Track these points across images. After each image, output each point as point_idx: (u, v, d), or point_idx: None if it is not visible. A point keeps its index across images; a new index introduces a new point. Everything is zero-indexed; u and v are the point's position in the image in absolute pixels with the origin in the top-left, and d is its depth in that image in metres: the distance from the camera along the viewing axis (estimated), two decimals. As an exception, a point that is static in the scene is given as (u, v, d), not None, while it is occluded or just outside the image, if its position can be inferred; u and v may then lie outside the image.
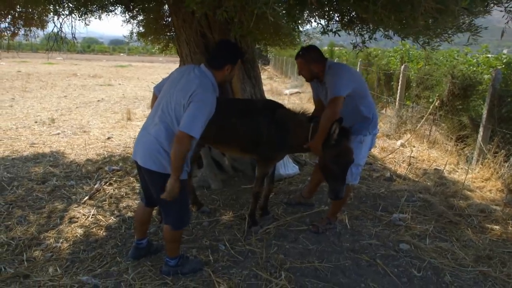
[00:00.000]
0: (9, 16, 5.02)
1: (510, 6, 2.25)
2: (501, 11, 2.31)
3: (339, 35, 3.15)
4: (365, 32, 3.18)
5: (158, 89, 2.76)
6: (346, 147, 2.92)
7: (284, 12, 2.34)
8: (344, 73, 3.07)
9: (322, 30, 3.13)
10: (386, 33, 3.16)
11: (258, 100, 4.29)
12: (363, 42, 3.30)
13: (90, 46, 52.60)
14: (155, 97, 2.78)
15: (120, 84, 17.01)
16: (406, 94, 9.03)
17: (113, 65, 29.22)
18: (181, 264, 2.82)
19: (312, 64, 3.13)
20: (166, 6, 4.90)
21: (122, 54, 48.74)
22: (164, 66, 29.27)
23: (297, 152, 3.70)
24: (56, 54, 30.63)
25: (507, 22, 2.38)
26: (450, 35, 3.31)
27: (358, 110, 3.17)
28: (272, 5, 1.77)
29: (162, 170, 2.47)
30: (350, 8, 2.60)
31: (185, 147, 2.36)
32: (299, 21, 3.43)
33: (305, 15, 3.23)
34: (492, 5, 2.31)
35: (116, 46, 53.03)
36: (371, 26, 3.02)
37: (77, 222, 3.71)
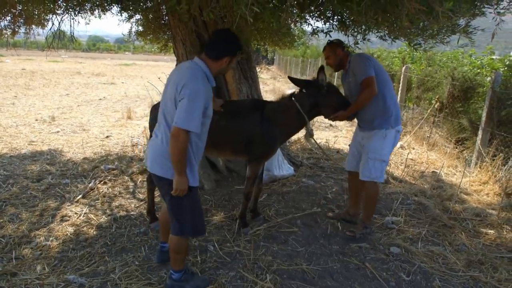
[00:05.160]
0: (10, 15, 5.05)
1: (499, 7, 2.21)
2: (490, 12, 2.27)
3: (330, 36, 3.12)
4: (357, 33, 3.15)
5: None
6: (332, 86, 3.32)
7: (269, 13, 2.31)
8: (362, 57, 3.24)
9: (312, 31, 3.12)
10: (378, 34, 3.13)
11: (244, 100, 4.26)
12: (356, 43, 3.27)
13: (96, 45, 52.83)
14: None
15: (123, 82, 17.07)
16: (408, 95, 8.98)
17: (117, 64, 29.35)
18: (185, 280, 2.66)
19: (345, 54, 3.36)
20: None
21: (127, 53, 48.91)
22: (169, 65, 29.31)
23: (293, 135, 3.68)
24: (62, 52, 30.81)
25: (498, 24, 2.34)
26: (445, 37, 3.28)
27: (383, 97, 3.23)
28: (250, 6, 1.76)
29: (169, 176, 2.35)
30: (334, 9, 2.57)
31: (181, 143, 2.23)
32: (287, 22, 3.40)
33: (291, 17, 3.20)
34: (481, 7, 2.27)
35: (121, 45, 53.19)
36: (363, 27, 2.99)
37: (68, 220, 3.72)
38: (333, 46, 3.35)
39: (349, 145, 3.46)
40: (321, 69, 3.20)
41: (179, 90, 2.26)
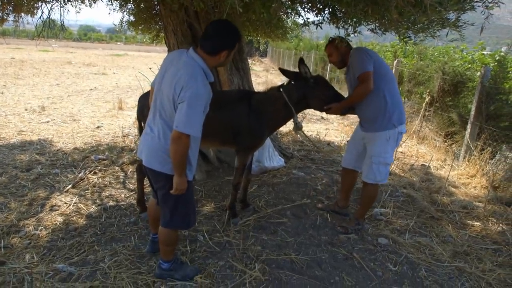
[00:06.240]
0: (-1, 2, 4.97)
1: (488, 1, 2.23)
2: (479, 6, 2.29)
3: (321, 28, 3.13)
4: (348, 25, 3.16)
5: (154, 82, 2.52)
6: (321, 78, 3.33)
7: (259, 3, 2.30)
8: (361, 51, 3.19)
9: (303, 22, 3.12)
10: (369, 27, 3.14)
11: (231, 90, 4.26)
12: (348, 35, 3.28)
13: (87, 34, 52.12)
14: (153, 91, 2.53)
15: (114, 73, 16.92)
16: (400, 89, 9.02)
17: (109, 54, 29.02)
18: (174, 269, 2.69)
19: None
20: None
21: (119, 43, 48.35)
22: (161, 56, 28.98)
23: (280, 127, 3.66)
24: (52, 42, 30.35)
25: (486, 17, 2.36)
26: (435, 31, 3.29)
27: (383, 94, 3.13)
28: (239, -4, 1.75)
29: (169, 171, 2.33)
30: (324, 0, 2.57)
31: (182, 146, 2.18)
32: (278, 13, 3.40)
33: (282, 7, 3.19)
34: (470, 0, 2.28)
35: (113, 35, 52.53)
36: (354, 19, 3.00)
37: (58, 210, 3.71)
38: (335, 43, 3.29)
39: (347, 141, 3.42)
40: (301, 61, 3.15)
41: (177, 92, 2.18)
